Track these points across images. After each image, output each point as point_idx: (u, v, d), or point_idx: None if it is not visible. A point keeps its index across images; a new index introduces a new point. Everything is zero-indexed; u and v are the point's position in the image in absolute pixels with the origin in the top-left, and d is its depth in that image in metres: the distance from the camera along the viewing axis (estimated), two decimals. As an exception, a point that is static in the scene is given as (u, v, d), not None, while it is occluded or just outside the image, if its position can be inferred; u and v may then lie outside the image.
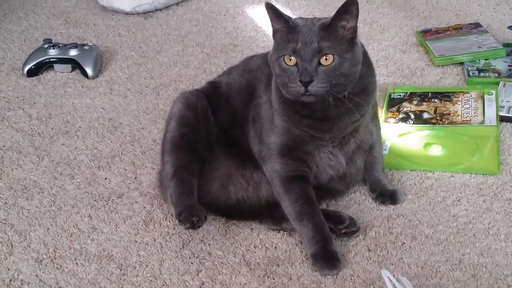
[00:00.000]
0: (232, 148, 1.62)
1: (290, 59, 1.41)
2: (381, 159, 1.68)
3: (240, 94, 1.65)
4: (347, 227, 1.50)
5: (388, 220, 1.55)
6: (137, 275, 1.45)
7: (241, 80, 1.67)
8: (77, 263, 1.49)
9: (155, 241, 1.54)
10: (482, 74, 2.11)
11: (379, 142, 1.67)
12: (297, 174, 1.53)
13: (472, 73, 2.11)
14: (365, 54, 1.52)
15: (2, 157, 1.85)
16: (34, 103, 2.13)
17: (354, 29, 1.43)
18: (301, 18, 1.48)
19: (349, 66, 1.42)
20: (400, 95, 2.03)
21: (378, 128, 1.67)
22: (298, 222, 1.48)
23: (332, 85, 1.40)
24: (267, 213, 1.56)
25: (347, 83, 1.43)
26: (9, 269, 1.48)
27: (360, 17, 2.61)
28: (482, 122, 1.86)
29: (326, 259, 1.43)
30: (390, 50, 2.35)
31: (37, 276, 1.46)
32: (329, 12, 2.65)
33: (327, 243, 1.45)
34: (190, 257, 1.49)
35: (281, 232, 1.54)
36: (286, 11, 2.63)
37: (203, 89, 1.73)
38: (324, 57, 1.39)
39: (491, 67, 2.13)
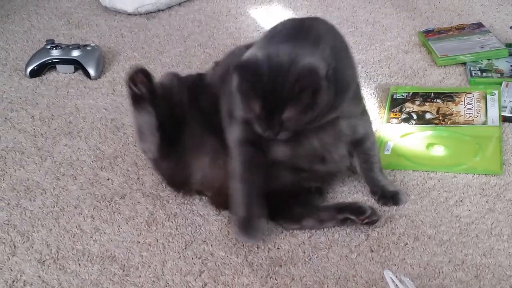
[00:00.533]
0: (216, 135, 1.62)
1: (253, 110, 1.41)
2: (377, 158, 1.66)
3: (221, 80, 1.65)
4: (369, 217, 1.50)
5: (391, 221, 1.55)
6: (140, 276, 1.45)
7: (223, 67, 1.68)
8: (79, 264, 1.49)
9: (157, 241, 1.54)
10: (484, 74, 2.10)
11: (371, 139, 1.65)
12: (254, 140, 1.51)
13: (475, 73, 2.11)
14: (342, 48, 1.50)
15: (5, 158, 1.86)
16: (37, 103, 2.13)
17: (319, 85, 1.37)
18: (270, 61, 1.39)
19: (315, 111, 1.40)
20: (402, 96, 2.03)
21: (368, 123, 1.65)
22: (236, 183, 1.50)
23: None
24: (287, 212, 1.55)
25: (319, 117, 1.44)
26: (12, 270, 1.48)
27: (362, 17, 2.65)
28: (485, 123, 1.86)
29: (248, 227, 1.48)
30: (392, 50, 2.35)
31: (39, 277, 1.46)
32: (331, 12, 2.66)
33: (254, 212, 1.48)
34: (192, 258, 1.49)
35: (284, 232, 1.54)
36: (288, 12, 2.64)
37: (189, 77, 1.75)
38: (286, 121, 1.39)
39: (494, 67, 2.13)
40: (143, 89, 1.56)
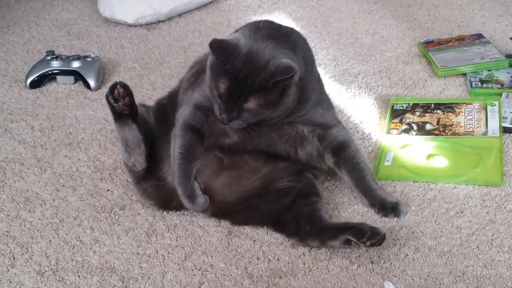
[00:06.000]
0: None
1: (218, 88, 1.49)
2: (365, 166, 1.65)
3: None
4: (369, 238, 1.45)
5: (391, 232, 1.55)
6: (139, 288, 1.45)
7: (190, 71, 1.81)
8: (79, 276, 1.48)
9: (157, 253, 1.54)
10: (484, 85, 2.11)
11: (353, 147, 1.66)
12: (198, 127, 1.62)
13: (475, 84, 2.11)
14: (310, 62, 1.61)
15: (5, 169, 1.85)
16: (37, 114, 2.13)
17: (288, 86, 1.49)
18: (253, 44, 1.49)
19: (275, 112, 1.52)
20: (402, 106, 2.03)
21: (344, 131, 1.69)
22: (175, 162, 1.60)
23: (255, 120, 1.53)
24: (293, 229, 1.55)
25: (274, 118, 1.55)
26: (11, 282, 1.47)
27: (362, 28, 2.65)
28: (485, 133, 1.85)
29: (188, 196, 1.57)
30: (392, 61, 2.35)
31: (39, 288, 1.46)
32: (331, 23, 2.66)
33: (189, 187, 1.58)
34: (192, 269, 1.49)
35: (284, 244, 1.54)
36: (289, 22, 2.64)
37: (160, 100, 1.87)
38: (245, 111, 1.50)
39: (494, 78, 2.13)
40: (122, 103, 1.60)
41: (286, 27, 1.62)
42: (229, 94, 1.48)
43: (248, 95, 1.47)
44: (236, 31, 1.62)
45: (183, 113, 1.65)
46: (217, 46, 1.47)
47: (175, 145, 1.62)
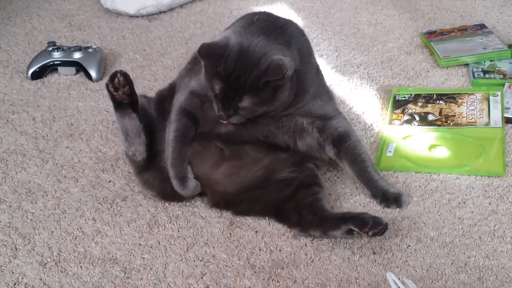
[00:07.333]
0: None
1: (213, 89, 1.50)
2: (367, 157, 1.65)
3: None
4: (371, 228, 1.44)
5: (393, 223, 1.55)
6: (142, 278, 1.44)
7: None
8: (81, 266, 1.48)
9: (159, 244, 1.54)
10: (487, 75, 2.10)
11: (354, 138, 1.65)
12: (193, 112, 1.63)
13: (477, 75, 2.10)
14: (307, 53, 1.60)
15: (6, 160, 1.85)
16: (38, 106, 2.13)
17: (280, 85, 1.48)
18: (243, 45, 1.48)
19: (271, 107, 1.53)
20: (404, 97, 2.03)
21: (345, 122, 1.68)
22: (169, 145, 1.61)
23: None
24: (295, 219, 1.55)
25: (272, 112, 1.56)
26: (13, 273, 1.48)
27: (364, 19, 2.65)
28: (488, 124, 1.85)
29: (180, 178, 1.59)
30: (394, 52, 2.35)
31: (41, 279, 1.46)
32: (333, 14, 2.65)
33: (182, 169, 1.60)
34: (194, 260, 1.49)
35: (286, 234, 1.54)
36: (290, 13, 2.64)
37: (161, 91, 1.87)
38: (241, 109, 1.50)
39: (496, 68, 2.13)
40: (122, 91, 1.59)
41: (283, 19, 1.61)
42: (223, 94, 1.48)
43: (242, 94, 1.47)
44: (230, 26, 1.61)
45: (179, 99, 1.66)
46: (206, 52, 1.47)
47: (170, 129, 1.63)
